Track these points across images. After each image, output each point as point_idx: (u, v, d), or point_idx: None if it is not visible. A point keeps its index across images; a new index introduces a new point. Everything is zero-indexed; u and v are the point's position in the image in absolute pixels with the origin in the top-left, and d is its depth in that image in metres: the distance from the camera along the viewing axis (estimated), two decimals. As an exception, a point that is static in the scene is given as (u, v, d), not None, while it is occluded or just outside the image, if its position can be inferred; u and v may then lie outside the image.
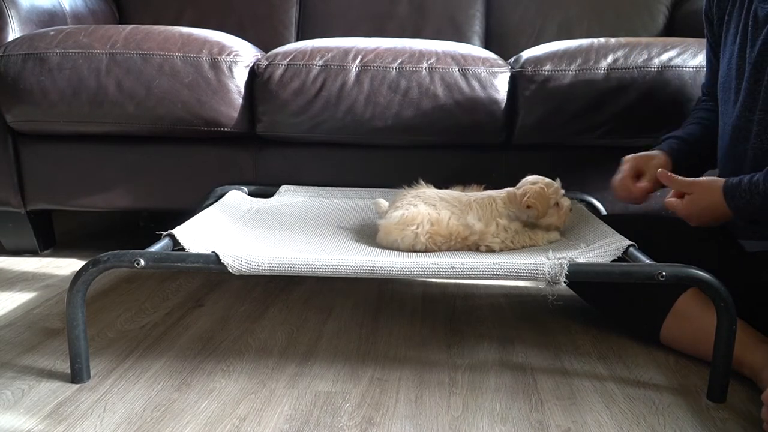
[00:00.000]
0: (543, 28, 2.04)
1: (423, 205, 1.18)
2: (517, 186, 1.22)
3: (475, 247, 1.18)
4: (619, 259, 1.06)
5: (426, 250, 1.16)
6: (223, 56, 1.50)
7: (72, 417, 0.92)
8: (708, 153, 1.25)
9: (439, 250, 1.16)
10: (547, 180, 1.21)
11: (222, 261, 0.99)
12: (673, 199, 1.10)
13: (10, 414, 0.93)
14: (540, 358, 1.13)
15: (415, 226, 1.15)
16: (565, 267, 0.98)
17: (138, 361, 1.10)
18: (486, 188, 1.28)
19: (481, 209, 1.19)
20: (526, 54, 1.53)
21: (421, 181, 1.28)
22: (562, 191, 1.22)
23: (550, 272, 0.98)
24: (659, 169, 1.13)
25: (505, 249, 1.17)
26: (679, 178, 1.09)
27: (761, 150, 1.09)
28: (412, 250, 1.16)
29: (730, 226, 1.16)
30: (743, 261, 1.15)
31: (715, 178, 1.07)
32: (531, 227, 1.20)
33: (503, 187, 1.24)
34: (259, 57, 1.56)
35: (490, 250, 1.17)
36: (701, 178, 1.08)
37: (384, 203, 1.28)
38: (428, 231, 1.15)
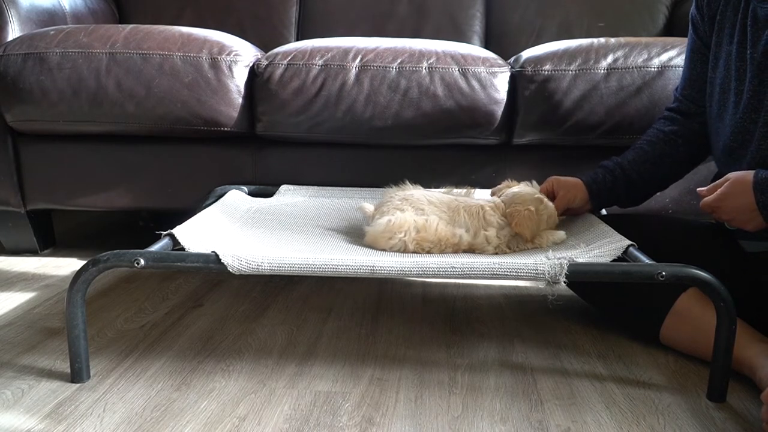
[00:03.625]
0: (543, 28, 2.04)
1: (410, 211, 1.15)
2: (501, 195, 1.20)
3: (470, 251, 1.16)
4: (619, 259, 1.06)
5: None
6: (223, 56, 1.50)
7: (72, 417, 0.92)
8: (649, 177, 1.25)
9: (429, 253, 1.14)
10: (535, 195, 1.17)
11: (222, 261, 0.99)
12: (704, 189, 1.07)
13: (10, 414, 0.93)
14: (540, 358, 1.13)
15: (402, 234, 1.13)
16: (565, 267, 0.98)
17: (138, 361, 1.10)
18: (473, 187, 1.26)
19: (469, 217, 1.16)
20: (526, 54, 1.53)
21: (407, 182, 1.26)
22: (551, 205, 1.19)
23: (550, 272, 0.98)
24: None
25: (500, 252, 1.16)
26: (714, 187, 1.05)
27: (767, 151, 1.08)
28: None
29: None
30: (743, 261, 1.15)
31: (747, 171, 1.02)
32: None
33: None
34: (259, 57, 1.56)
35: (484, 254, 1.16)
36: (734, 173, 1.03)
37: (369, 207, 1.25)
38: (415, 238, 1.13)
